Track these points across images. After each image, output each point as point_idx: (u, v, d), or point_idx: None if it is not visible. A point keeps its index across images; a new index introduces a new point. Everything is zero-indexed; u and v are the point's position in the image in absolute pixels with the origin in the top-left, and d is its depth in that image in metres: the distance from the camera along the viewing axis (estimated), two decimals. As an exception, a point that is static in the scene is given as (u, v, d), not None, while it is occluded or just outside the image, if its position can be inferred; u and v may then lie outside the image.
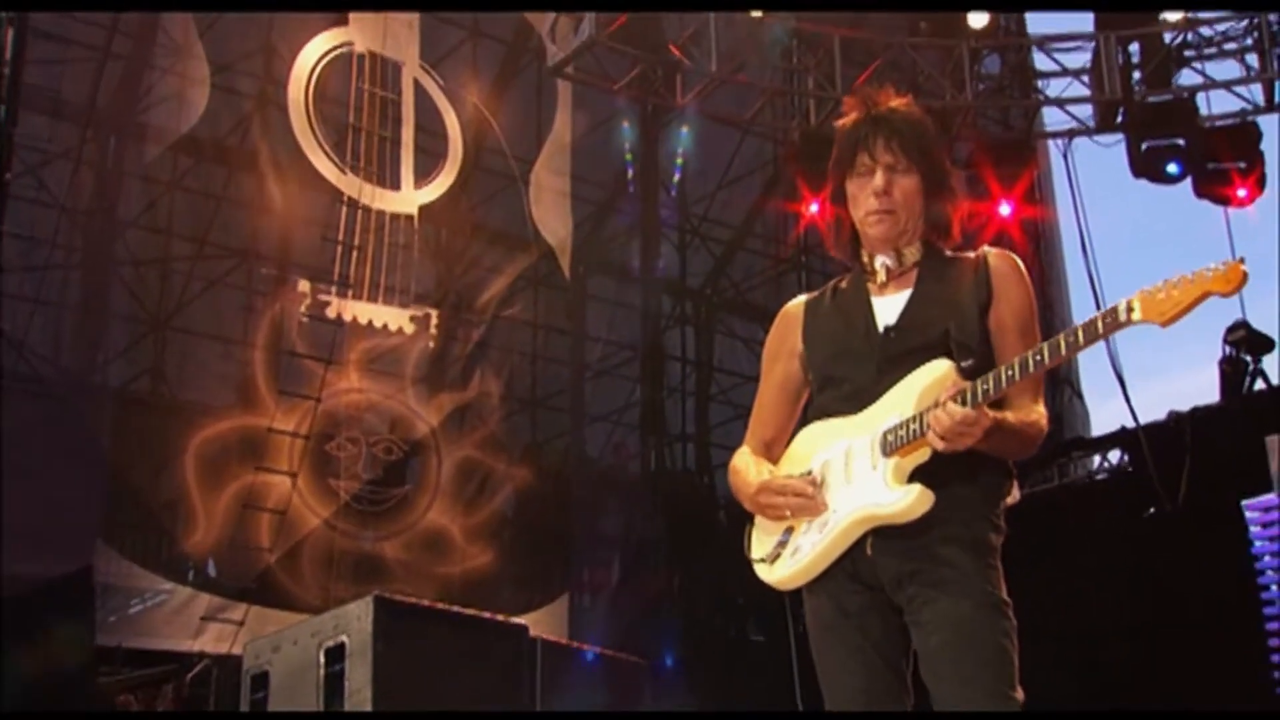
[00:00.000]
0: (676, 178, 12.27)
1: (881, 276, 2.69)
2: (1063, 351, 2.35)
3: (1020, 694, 2.44)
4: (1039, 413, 2.54)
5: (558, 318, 11.54)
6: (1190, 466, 7.77)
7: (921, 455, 2.49)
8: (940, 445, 2.43)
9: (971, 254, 2.69)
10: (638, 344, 12.06)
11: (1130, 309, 2.26)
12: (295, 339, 9.72)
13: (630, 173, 11.91)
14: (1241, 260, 2.19)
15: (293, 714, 5.03)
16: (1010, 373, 2.39)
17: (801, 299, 2.86)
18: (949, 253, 2.71)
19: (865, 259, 2.72)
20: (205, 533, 9.00)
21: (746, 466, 2.74)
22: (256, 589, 9.01)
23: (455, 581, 9.70)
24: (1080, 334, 2.32)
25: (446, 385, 10.47)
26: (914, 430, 2.47)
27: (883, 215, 2.65)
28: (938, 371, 2.51)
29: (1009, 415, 2.49)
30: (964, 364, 2.50)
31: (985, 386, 2.40)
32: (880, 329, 2.62)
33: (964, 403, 2.40)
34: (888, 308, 2.66)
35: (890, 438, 2.51)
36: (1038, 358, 2.37)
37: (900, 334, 2.60)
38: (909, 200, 2.66)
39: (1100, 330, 2.29)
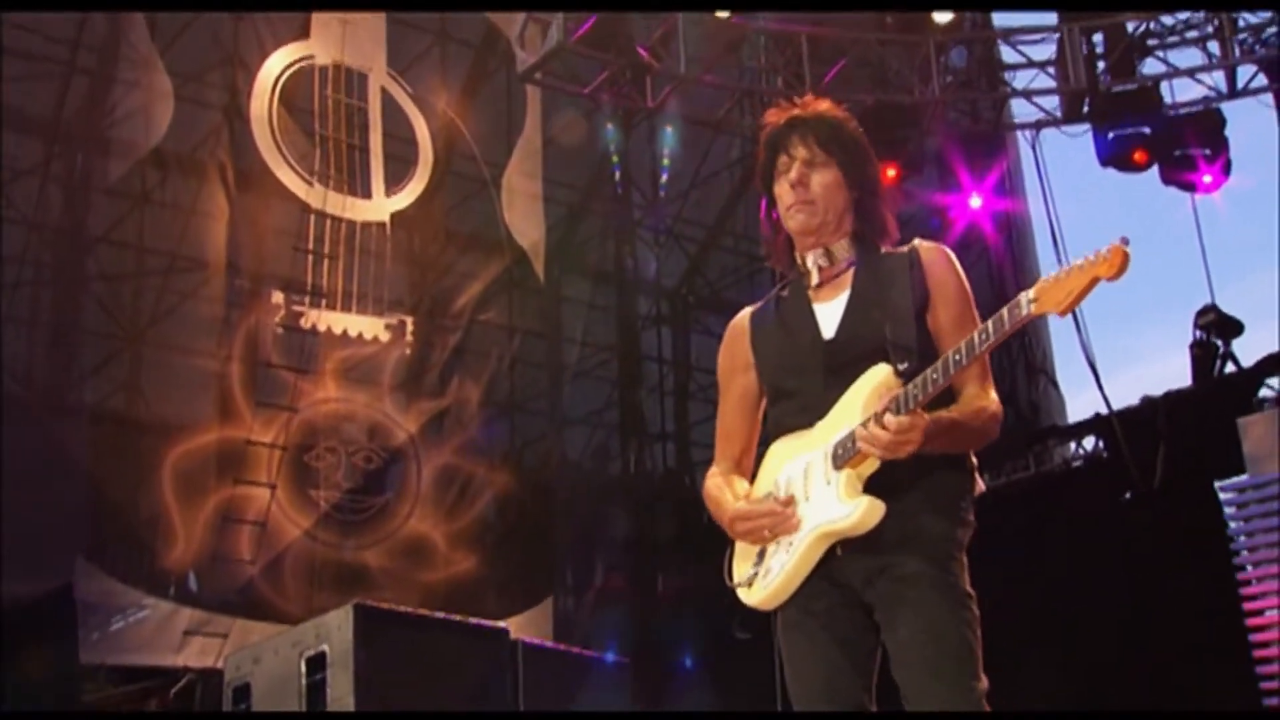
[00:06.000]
0: (664, 178, 12.25)
1: (815, 277, 2.72)
2: (977, 349, 2.42)
3: (984, 683, 2.50)
4: (989, 398, 2.58)
5: (533, 321, 11.54)
6: (1165, 450, 7.83)
7: (873, 464, 2.53)
8: (884, 456, 2.47)
9: (904, 248, 2.72)
10: (614, 345, 12.07)
11: (1032, 300, 2.36)
12: (271, 351, 9.69)
13: (617, 175, 11.92)
14: (1123, 241, 2.27)
15: (296, 714, 5.03)
16: (935, 375, 2.43)
17: (746, 311, 2.90)
18: (883, 249, 2.73)
19: (799, 260, 2.75)
20: (185, 547, 8.96)
21: (720, 491, 2.77)
22: (239, 602, 8.99)
23: (439, 588, 9.68)
24: (990, 328, 2.41)
25: (424, 392, 10.45)
26: None
27: (800, 205, 2.69)
28: (878, 376, 2.56)
29: (952, 411, 2.53)
30: (901, 366, 2.54)
31: (915, 391, 2.45)
32: (823, 339, 2.66)
33: (898, 410, 2.44)
34: (828, 314, 2.69)
35: (840, 450, 2.55)
36: (957, 357, 2.43)
37: (841, 345, 2.63)
38: (828, 192, 2.69)
39: (1006, 324, 2.39)
